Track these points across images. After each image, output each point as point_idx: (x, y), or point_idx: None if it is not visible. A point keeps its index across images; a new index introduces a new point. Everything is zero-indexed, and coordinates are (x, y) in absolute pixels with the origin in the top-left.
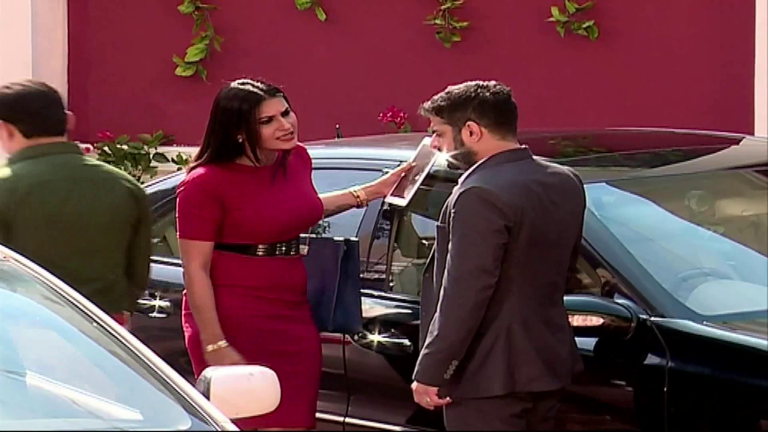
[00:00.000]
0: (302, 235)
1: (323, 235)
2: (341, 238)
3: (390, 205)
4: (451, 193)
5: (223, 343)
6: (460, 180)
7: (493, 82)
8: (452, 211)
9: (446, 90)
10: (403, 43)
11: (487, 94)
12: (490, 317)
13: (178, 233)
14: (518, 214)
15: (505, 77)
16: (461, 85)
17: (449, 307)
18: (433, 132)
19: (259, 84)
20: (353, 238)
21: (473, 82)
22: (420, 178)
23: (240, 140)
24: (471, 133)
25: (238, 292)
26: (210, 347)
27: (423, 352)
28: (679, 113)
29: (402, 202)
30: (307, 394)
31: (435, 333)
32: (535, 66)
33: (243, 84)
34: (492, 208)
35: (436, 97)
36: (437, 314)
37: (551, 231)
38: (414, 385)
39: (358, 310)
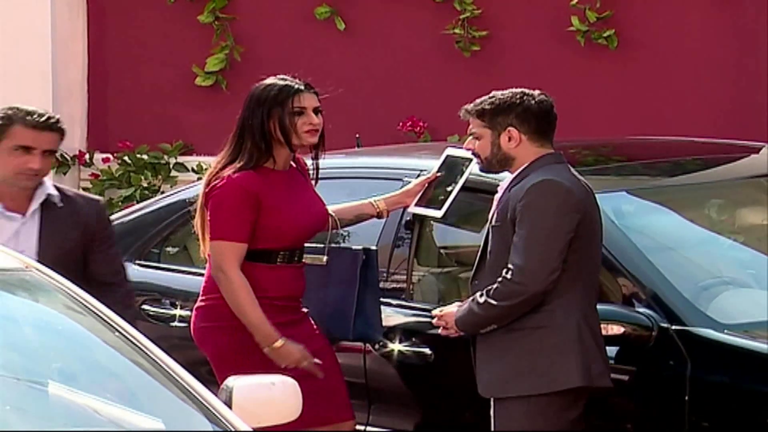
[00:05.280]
0: (320, 245)
1: (341, 245)
2: (359, 247)
3: (414, 215)
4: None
5: (280, 342)
6: (504, 184)
7: (537, 92)
8: (520, 204)
9: (491, 94)
10: (423, 53)
11: (532, 102)
12: (558, 312)
13: (210, 235)
14: (582, 208)
15: (525, 86)
16: (506, 91)
17: (513, 289)
18: (470, 135)
19: (295, 79)
20: (372, 247)
21: (518, 89)
22: (455, 189)
23: (273, 130)
24: (510, 139)
25: (262, 303)
26: (266, 349)
27: (470, 306)
28: (698, 122)
29: (437, 213)
30: (338, 387)
31: (492, 301)
32: (555, 75)
33: (279, 78)
34: (566, 199)
35: (479, 100)
36: (498, 286)
37: (598, 230)
38: (446, 322)
39: (378, 318)
